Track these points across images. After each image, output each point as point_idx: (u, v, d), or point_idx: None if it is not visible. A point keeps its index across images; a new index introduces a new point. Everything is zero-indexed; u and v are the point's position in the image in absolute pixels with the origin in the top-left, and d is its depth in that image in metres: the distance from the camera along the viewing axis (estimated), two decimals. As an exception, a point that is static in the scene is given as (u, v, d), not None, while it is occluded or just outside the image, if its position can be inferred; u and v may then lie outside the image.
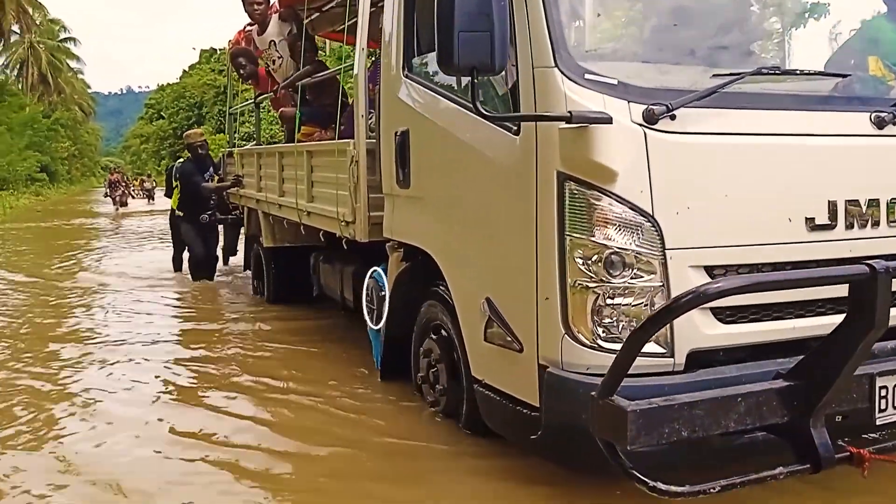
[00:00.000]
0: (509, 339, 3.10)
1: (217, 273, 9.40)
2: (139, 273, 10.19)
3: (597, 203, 2.78)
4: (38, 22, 48.70)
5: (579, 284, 2.81)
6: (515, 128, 3.04)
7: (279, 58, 6.35)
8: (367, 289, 4.88)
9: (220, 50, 75.10)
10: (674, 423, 2.42)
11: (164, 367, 5.45)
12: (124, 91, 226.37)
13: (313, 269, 6.74)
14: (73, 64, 59.91)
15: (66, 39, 57.85)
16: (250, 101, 8.05)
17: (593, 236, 2.79)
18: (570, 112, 2.72)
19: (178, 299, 8.30)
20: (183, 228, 9.21)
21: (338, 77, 5.94)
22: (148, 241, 15.27)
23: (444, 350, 3.94)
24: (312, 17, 6.66)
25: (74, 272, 10.74)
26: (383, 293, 4.59)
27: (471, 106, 3.32)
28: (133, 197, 31.28)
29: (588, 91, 2.81)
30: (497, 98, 3.33)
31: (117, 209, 28.17)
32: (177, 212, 9.20)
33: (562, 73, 2.84)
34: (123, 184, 30.73)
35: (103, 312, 7.60)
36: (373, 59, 5.34)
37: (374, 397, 4.66)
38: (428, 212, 3.85)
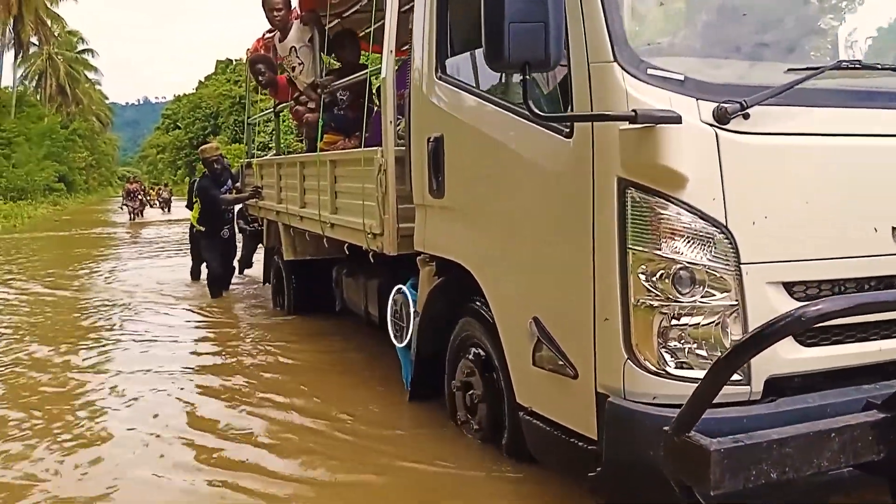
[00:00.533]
0: (561, 363, 2.80)
1: (232, 284, 9.19)
2: (158, 284, 9.97)
3: (663, 212, 2.48)
4: (56, 33, 48.86)
5: (643, 303, 2.50)
6: (568, 130, 2.74)
7: (300, 64, 6.09)
8: (394, 304, 4.60)
9: (235, 60, 75.87)
10: (762, 463, 2.12)
11: (176, 383, 5.21)
12: (141, 102, 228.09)
13: (336, 283, 6.46)
14: (90, 75, 60.37)
15: (83, 51, 58.21)
16: (269, 111, 7.80)
17: (659, 249, 2.48)
18: (633, 111, 2.42)
19: (196, 313, 8.04)
20: (203, 244, 8.96)
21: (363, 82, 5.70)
22: (165, 251, 15.09)
23: (482, 371, 3.64)
24: (333, 23, 6.41)
25: (92, 283, 10.55)
26: (412, 309, 4.31)
27: (512, 107, 3.08)
28: (150, 206, 31.15)
29: (652, 88, 2.52)
30: (543, 98, 3.05)
31: (133, 218, 28.08)
32: (196, 227, 8.97)
33: (622, 68, 2.54)
34: (141, 193, 30.64)
35: (120, 324, 7.37)
36: (399, 63, 5.08)
37: (403, 419, 4.37)
38: (465, 223, 3.56)
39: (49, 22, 46.77)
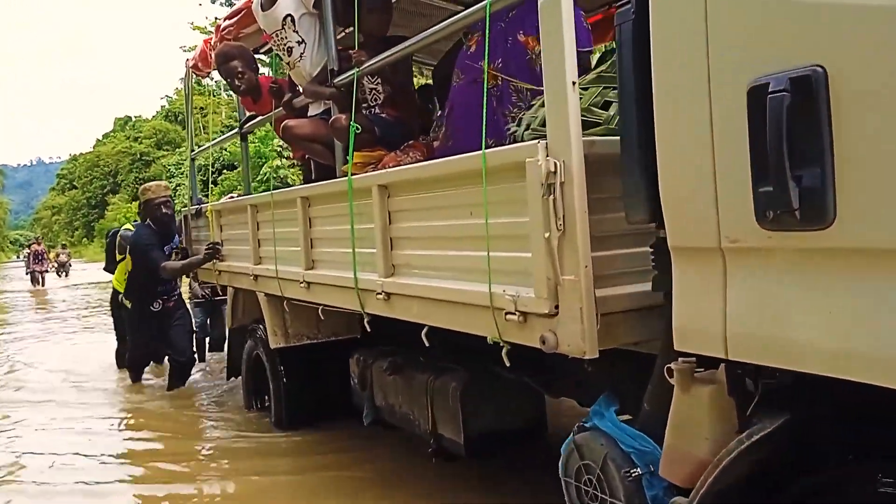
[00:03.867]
0: None
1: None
2: (72, 374, 7.30)
3: None
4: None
5: None
6: None
7: (299, 43, 3.78)
8: (581, 463, 2.33)
9: (134, 117, 71.76)
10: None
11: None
12: (34, 162, 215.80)
13: (361, 381, 4.09)
14: (-23, 136, 55.38)
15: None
16: (230, 133, 5.37)
17: None
18: None
19: (130, 417, 5.52)
20: (129, 320, 6.44)
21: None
22: (86, 319, 12.22)
23: None
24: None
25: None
26: (635, 473, 2.07)
27: None
28: (47, 271, 26.95)
29: None
30: None
31: (36, 286, 24.41)
32: (121, 297, 6.41)
33: None
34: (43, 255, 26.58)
35: (27, 436, 4.90)
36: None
37: None
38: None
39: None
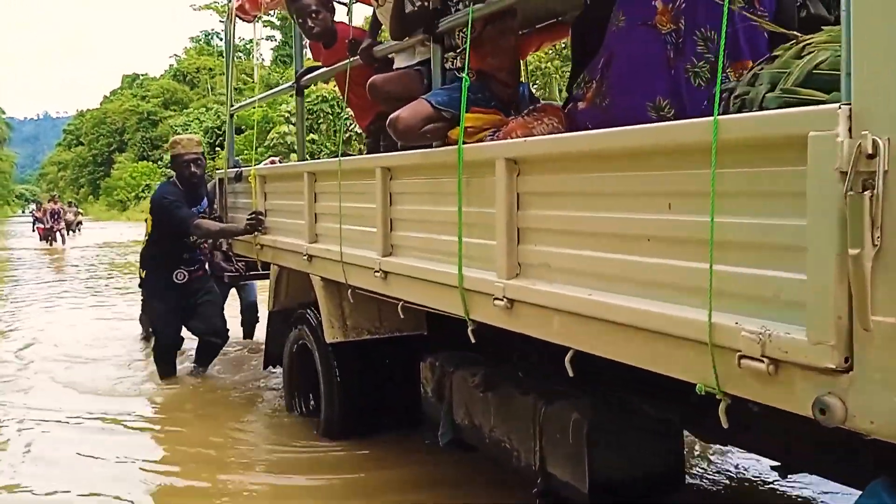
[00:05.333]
0: None
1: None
2: (91, 347, 6.59)
3: None
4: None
5: None
6: None
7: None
8: None
9: (142, 76, 70.33)
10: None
11: None
12: (41, 117, 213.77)
13: (437, 391, 3.36)
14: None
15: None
16: (286, 86, 4.53)
17: None
18: None
19: (157, 410, 4.81)
20: (147, 294, 5.67)
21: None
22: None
23: None
24: None
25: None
26: None
27: None
28: (64, 230, 24.83)
29: None
30: None
31: (53, 243, 23.30)
32: (139, 272, 5.62)
33: None
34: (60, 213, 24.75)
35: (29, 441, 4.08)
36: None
37: None
38: None
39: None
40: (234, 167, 5.19)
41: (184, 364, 5.62)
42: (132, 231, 27.81)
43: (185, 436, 4.31)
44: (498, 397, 2.96)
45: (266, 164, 4.99)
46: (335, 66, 3.67)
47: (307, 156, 4.75)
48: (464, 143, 2.47)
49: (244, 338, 6.50)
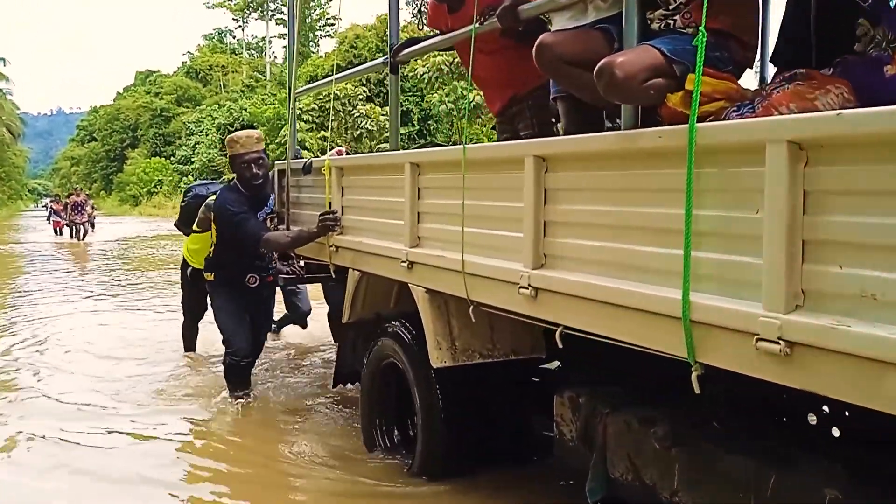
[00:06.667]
0: None
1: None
2: (131, 353, 5.96)
3: None
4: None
5: None
6: None
7: None
8: None
9: (155, 72, 69.60)
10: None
11: None
12: (54, 112, 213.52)
13: (583, 434, 2.65)
14: (1, 84, 53.36)
15: (-6, 59, 51.66)
16: (377, 62, 3.72)
17: None
18: None
19: (203, 439, 4.12)
20: (215, 299, 4.86)
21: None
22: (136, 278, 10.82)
23: None
24: None
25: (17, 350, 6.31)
26: None
27: None
28: (86, 223, 23.42)
29: None
30: None
31: (74, 238, 22.41)
32: (205, 274, 4.85)
33: None
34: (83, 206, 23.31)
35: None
36: None
37: None
38: None
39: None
40: (298, 158, 4.45)
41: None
42: (145, 226, 27.20)
43: (242, 443, 3.63)
44: (689, 455, 2.24)
45: (332, 154, 4.28)
46: (456, 32, 2.94)
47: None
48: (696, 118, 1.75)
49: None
